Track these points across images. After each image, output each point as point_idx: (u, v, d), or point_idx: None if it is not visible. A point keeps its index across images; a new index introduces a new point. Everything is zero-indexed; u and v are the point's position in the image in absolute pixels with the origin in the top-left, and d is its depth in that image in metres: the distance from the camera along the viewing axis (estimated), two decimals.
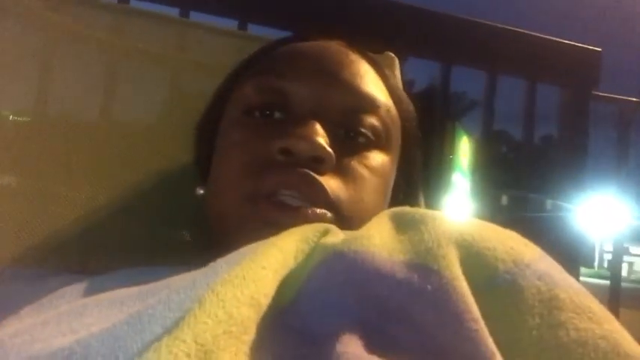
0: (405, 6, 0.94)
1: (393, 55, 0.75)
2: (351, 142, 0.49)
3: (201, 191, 0.55)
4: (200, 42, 0.75)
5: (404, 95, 0.58)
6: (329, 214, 0.44)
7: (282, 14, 0.93)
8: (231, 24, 0.91)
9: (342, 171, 0.47)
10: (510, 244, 0.35)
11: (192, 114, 0.61)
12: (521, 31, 1.01)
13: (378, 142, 0.50)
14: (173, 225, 0.66)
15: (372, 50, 0.74)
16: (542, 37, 1.03)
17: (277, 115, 0.49)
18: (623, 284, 1.42)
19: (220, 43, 0.75)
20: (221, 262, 0.32)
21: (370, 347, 0.29)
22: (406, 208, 0.42)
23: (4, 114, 0.66)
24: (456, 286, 0.30)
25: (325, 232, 0.37)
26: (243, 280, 0.28)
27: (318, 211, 0.44)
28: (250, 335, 0.28)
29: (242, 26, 0.92)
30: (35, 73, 0.68)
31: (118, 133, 0.68)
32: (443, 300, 0.30)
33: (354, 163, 0.48)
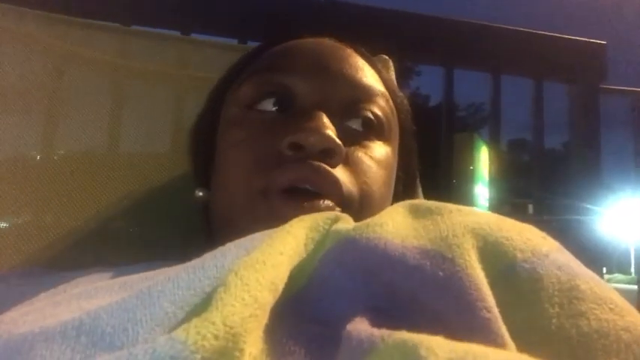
0: (407, 12, 0.95)
1: (386, 57, 0.75)
2: (355, 133, 0.49)
3: (201, 193, 0.54)
4: (202, 59, 0.77)
5: (397, 88, 0.58)
6: (340, 207, 0.44)
7: (282, 28, 0.94)
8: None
9: (351, 163, 0.47)
10: (527, 235, 0.35)
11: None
12: (524, 30, 1.00)
13: (381, 131, 0.51)
14: (171, 243, 0.66)
15: (371, 54, 0.75)
16: (545, 35, 1.02)
17: (281, 108, 0.49)
18: None
19: (224, 58, 0.76)
20: (230, 246, 0.33)
21: (378, 326, 0.29)
22: (422, 200, 0.42)
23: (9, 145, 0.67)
24: (469, 274, 0.30)
25: (336, 220, 0.37)
26: (263, 264, 0.28)
27: (331, 204, 0.44)
28: (267, 319, 0.28)
29: (242, 43, 0.93)
30: (42, 102, 0.70)
31: (124, 159, 0.69)
32: (456, 287, 0.29)
33: (362, 156, 0.48)
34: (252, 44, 0.91)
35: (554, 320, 0.30)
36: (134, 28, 0.86)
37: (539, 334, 0.30)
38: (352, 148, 0.48)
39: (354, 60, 0.52)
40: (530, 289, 0.31)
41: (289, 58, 0.52)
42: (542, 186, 1.14)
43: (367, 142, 0.49)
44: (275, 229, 0.34)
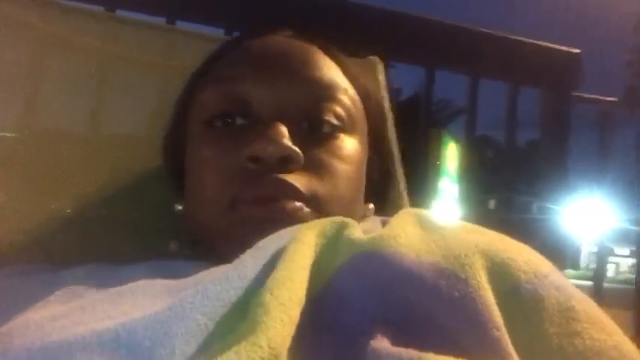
0: (387, 11, 0.96)
1: (377, 59, 0.76)
2: (316, 134, 0.49)
3: (180, 207, 0.55)
4: (187, 49, 0.76)
5: (360, 75, 0.58)
6: (307, 209, 0.45)
7: (268, 20, 0.94)
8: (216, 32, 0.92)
9: (313, 166, 0.47)
10: (527, 256, 0.37)
11: None
12: (503, 35, 1.03)
13: (343, 126, 0.50)
14: (158, 230, 0.66)
15: (355, 55, 0.76)
16: (522, 41, 1.06)
17: (239, 121, 0.49)
18: (611, 285, 1.44)
19: (208, 50, 0.76)
20: (247, 257, 0.34)
21: (400, 344, 0.30)
22: (424, 211, 0.43)
23: None
24: (481, 295, 0.32)
25: (343, 226, 0.38)
26: (292, 282, 0.30)
27: (298, 204, 0.45)
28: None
29: (228, 34, 0.93)
30: (25, 83, 0.69)
31: (106, 141, 0.69)
32: (469, 308, 0.31)
33: (324, 155, 0.48)
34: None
35: (554, 339, 0.33)
36: (121, 15, 0.85)
37: (542, 351, 0.32)
38: (314, 149, 0.48)
39: (309, 55, 0.52)
40: (533, 310, 0.34)
41: (242, 64, 0.51)
42: (505, 182, 1.18)
43: (331, 140, 0.49)
44: (287, 237, 0.36)
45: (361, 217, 0.54)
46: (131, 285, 0.36)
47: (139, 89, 0.74)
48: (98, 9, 0.84)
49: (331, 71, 0.52)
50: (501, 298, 0.33)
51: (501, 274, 0.35)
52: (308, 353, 0.29)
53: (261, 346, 0.25)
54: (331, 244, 0.37)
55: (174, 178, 0.57)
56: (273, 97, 0.49)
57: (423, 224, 0.40)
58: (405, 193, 0.71)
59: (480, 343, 0.30)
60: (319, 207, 0.46)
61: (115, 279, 0.39)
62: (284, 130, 0.46)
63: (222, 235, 0.46)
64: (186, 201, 0.53)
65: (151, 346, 0.28)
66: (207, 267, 0.38)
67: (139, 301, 0.34)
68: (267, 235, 0.38)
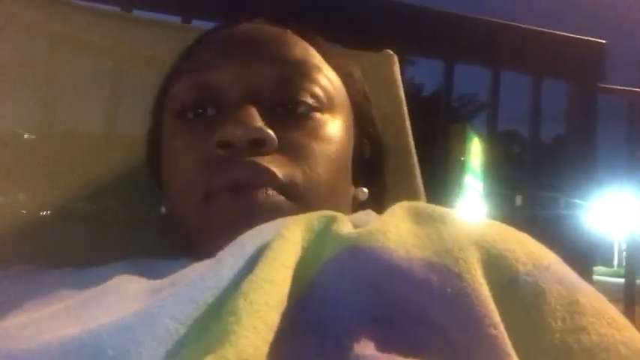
0: (408, 5, 0.94)
1: (391, 52, 0.74)
2: (291, 115, 0.47)
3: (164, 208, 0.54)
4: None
5: (341, 59, 0.55)
6: (286, 197, 0.43)
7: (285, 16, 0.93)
8: None
9: (288, 148, 0.45)
10: (529, 247, 0.35)
11: None
12: (525, 26, 1.00)
13: (320, 106, 0.48)
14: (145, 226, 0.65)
15: (373, 49, 0.75)
16: (545, 32, 1.02)
17: (210, 109, 0.48)
18: None
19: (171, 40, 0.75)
20: (225, 254, 0.32)
21: (387, 347, 0.29)
22: (422, 204, 0.41)
23: (7, 126, 0.66)
24: (476, 290, 0.30)
25: (331, 220, 0.37)
26: (271, 284, 0.28)
27: (272, 192, 0.43)
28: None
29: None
30: (40, 83, 0.69)
31: (119, 142, 0.68)
32: (463, 304, 0.29)
33: (300, 137, 0.46)
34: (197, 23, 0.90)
35: (557, 335, 0.30)
36: (135, 14, 0.85)
37: (544, 348, 0.30)
38: (289, 130, 0.46)
39: (281, 38, 0.50)
40: (534, 304, 0.32)
41: (211, 52, 0.50)
42: (532, 178, 1.15)
43: (306, 120, 0.47)
44: (270, 231, 0.34)
45: (352, 201, 0.52)
46: (103, 287, 0.35)
47: (153, 89, 0.74)
48: (112, 8, 0.84)
49: (303, 50, 0.50)
50: (498, 292, 0.31)
51: (498, 267, 0.33)
52: (289, 358, 0.28)
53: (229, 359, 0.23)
54: (318, 240, 0.35)
55: (158, 176, 0.55)
56: (242, 80, 0.47)
57: (417, 218, 0.37)
58: (421, 189, 0.69)
59: (476, 342, 0.28)
60: (296, 191, 0.44)
61: (91, 281, 0.37)
62: (254, 112, 0.44)
63: (200, 229, 0.45)
64: (165, 194, 0.51)
65: (115, 356, 0.26)
66: (186, 265, 0.36)
67: (111, 305, 0.33)
68: (245, 228, 0.36)
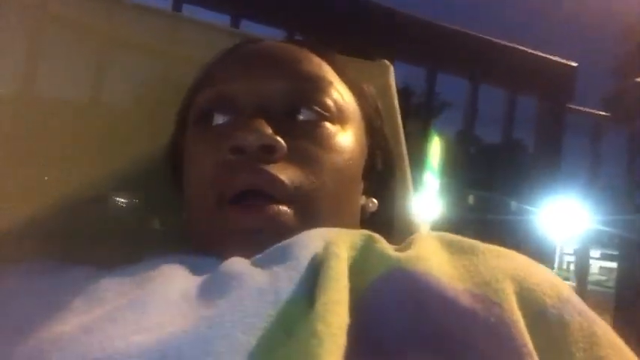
0: (395, 12, 0.96)
1: (387, 62, 0.76)
2: (301, 124, 0.49)
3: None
4: (191, 37, 0.75)
5: (353, 74, 0.57)
6: (293, 208, 0.45)
7: (273, 12, 0.93)
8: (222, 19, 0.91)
9: (297, 156, 0.46)
10: (552, 280, 0.38)
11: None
12: (505, 43, 1.04)
13: (331, 117, 0.50)
14: (151, 212, 0.66)
15: (362, 56, 0.76)
16: (523, 50, 1.07)
17: (225, 119, 0.50)
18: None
19: (211, 39, 0.75)
20: (280, 271, 0.34)
21: None
22: (449, 234, 0.43)
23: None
24: (514, 321, 0.33)
25: (372, 239, 0.39)
26: (340, 306, 0.30)
27: (282, 208, 0.44)
28: None
29: (234, 22, 0.92)
30: (22, 59, 0.67)
31: (103, 125, 0.68)
32: (504, 333, 0.32)
33: (308, 145, 0.48)
34: (245, 24, 0.91)
35: None
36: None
37: None
38: (298, 139, 0.47)
39: (297, 54, 0.52)
40: (560, 335, 0.35)
41: (231, 66, 0.53)
42: (485, 180, 1.20)
43: (316, 130, 0.49)
44: (315, 243, 0.36)
45: (362, 211, 0.54)
46: (151, 289, 0.36)
47: (137, 73, 0.73)
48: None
49: (316, 66, 0.52)
50: (529, 323, 0.34)
51: (529, 299, 0.36)
52: None
53: None
54: (361, 258, 0.37)
55: (179, 182, 0.56)
56: (256, 92, 0.49)
57: (450, 248, 0.40)
58: (412, 196, 0.72)
59: None
60: (304, 200, 0.46)
61: (133, 279, 0.38)
62: (263, 121, 0.46)
63: (210, 234, 0.46)
64: (184, 206, 0.53)
65: None
66: (216, 265, 0.38)
67: (168, 311, 0.34)
68: (254, 241, 0.39)
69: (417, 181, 0.77)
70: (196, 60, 0.64)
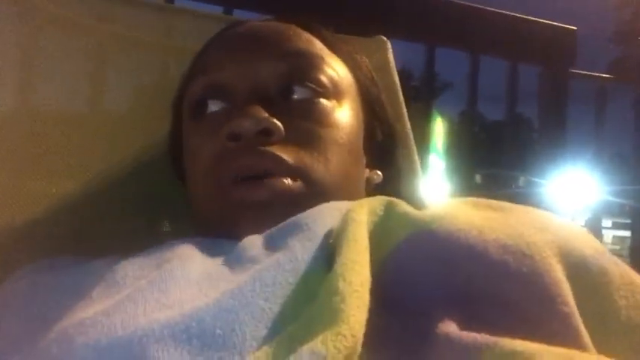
0: None
1: (384, 38, 0.76)
2: (296, 104, 0.48)
3: None
4: (187, 28, 0.75)
5: (346, 47, 0.57)
6: (297, 182, 0.45)
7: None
8: (215, 10, 0.91)
9: (296, 136, 0.46)
10: (584, 232, 0.38)
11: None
12: (502, 11, 1.03)
13: (326, 92, 0.49)
14: (156, 214, 0.66)
15: (359, 33, 0.75)
16: (521, 18, 1.06)
17: (220, 108, 0.49)
18: None
19: (207, 29, 0.75)
20: (294, 241, 0.35)
21: (466, 325, 0.30)
22: (473, 198, 0.42)
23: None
24: (549, 270, 0.32)
25: (393, 204, 0.38)
26: (361, 266, 0.30)
27: (285, 180, 0.44)
28: None
29: (227, 12, 0.92)
30: (18, 63, 0.67)
31: (103, 123, 0.68)
32: (538, 282, 0.31)
33: (306, 124, 0.47)
34: (238, 14, 0.91)
35: (623, 312, 0.33)
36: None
37: (611, 324, 0.33)
38: (296, 119, 0.47)
39: (286, 33, 0.52)
40: (601, 283, 0.34)
41: (219, 53, 0.52)
42: (491, 157, 1.19)
43: (312, 107, 0.48)
44: (332, 214, 0.37)
45: (367, 184, 0.54)
46: (170, 269, 0.36)
47: (136, 69, 0.73)
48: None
49: (307, 42, 0.52)
50: (570, 274, 0.33)
51: (567, 250, 0.35)
52: (375, 337, 0.29)
53: (345, 336, 0.26)
54: (383, 222, 0.37)
55: (182, 175, 0.56)
56: (247, 76, 0.49)
57: (477, 207, 0.40)
58: (420, 172, 0.71)
59: (549, 318, 0.31)
60: (308, 176, 0.45)
61: (148, 263, 0.38)
62: (258, 106, 0.46)
63: (219, 220, 0.46)
64: (189, 197, 0.53)
65: (223, 334, 0.29)
66: (232, 246, 0.38)
67: (188, 289, 0.34)
68: (266, 219, 0.39)
69: (422, 164, 0.76)
70: (193, 51, 0.64)
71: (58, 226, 0.60)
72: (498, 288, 0.32)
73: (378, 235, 0.35)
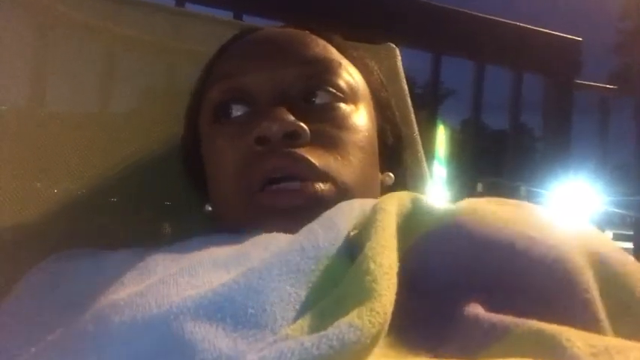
0: None
1: (393, 45, 0.76)
2: (318, 108, 0.50)
3: (210, 208, 0.56)
4: (196, 32, 0.76)
5: (358, 53, 0.59)
6: (327, 186, 0.46)
7: (275, 5, 0.93)
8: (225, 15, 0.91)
9: (320, 139, 0.48)
10: (600, 232, 0.41)
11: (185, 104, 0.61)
12: (508, 21, 1.03)
13: (344, 97, 0.51)
14: (160, 213, 0.66)
15: (366, 41, 0.76)
16: (527, 28, 1.06)
17: (243, 111, 0.51)
18: None
19: (217, 33, 0.75)
20: (317, 228, 0.36)
21: (490, 308, 0.32)
22: (486, 198, 0.44)
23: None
24: (571, 259, 0.34)
25: (420, 197, 0.40)
26: (390, 250, 0.32)
27: (317, 185, 0.46)
28: None
29: (237, 17, 0.93)
30: (28, 64, 0.68)
31: (112, 124, 0.68)
32: (561, 269, 0.33)
33: (329, 127, 0.49)
34: (248, 19, 0.91)
35: None
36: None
37: (632, 314, 0.34)
38: (320, 124, 0.49)
39: (303, 39, 0.54)
40: (621, 273, 0.35)
41: (240, 58, 0.53)
42: (492, 167, 1.20)
43: (333, 112, 0.50)
44: (370, 206, 0.38)
45: (382, 185, 0.55)
46: (199, 256, 0.37)
47: (146, 72, 0.73)
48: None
49: (323, 49, 0.54)
50: (593, 264, 0.35)
51: (589, 243, 0.37)
52: (403, 318, 0.31)
53: (378, 312, 0.27)
54: (410, 214, 0.38)
55: (195, 179, 0.58)
56: (271, 82, 0.50)
57: (497, 204, 0.41)
58: (428, 178, 0.72)
59: (571, 304, 0.32)
60: (336, 179, 0.47)
61: (179, 253, 0.39)
62: (284, 109, 0.47)
63: (245, 222, 0.47)
64: (211, 196, 0.54)
65: (255, 314, 0.30)
66: (260, 236, 0.40)
67: (217, 271, 0.35)
68: (296, 223, 0.39)
69: (427, 172, 0.77)
70: (202, 54, 0.65)
71: (60, 225, 0.61)
72: (524, 275, 0.33)
73: (406, 225, 0.37)
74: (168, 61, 0.74)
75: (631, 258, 0.37)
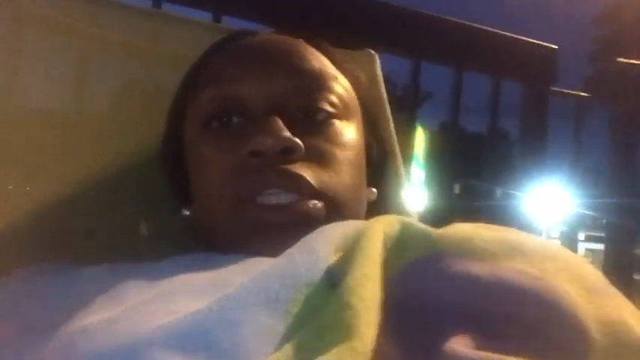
0: (375, 2, 0.96)
1: (372, 51, 0.76)
2: (312, 123, 0.50)
3: (188, 212, 0.55)
4: (173, 34, 0.75)
5: (349, 65, 0.59)
6: (320, 203, 0.46)
7: (255, 7, 0.93)
8: (203, 15, 0.90)
9: (314, 156, 0.47)
10: (584, 260, 0.40)
11: (164, 106, 0.60)
12: (487, 28, 1.05)
13: (338, 113, 0.51)
14: (137, 215, 0.65)
15: (345, 47, 0.76)
16: (505, 35, 1.08)
17: (236, 120, 0.50)
18: None
19: (194, 36, 0.75)
20: (295, 254, 0.35)
21: (480, 344, 0.31)
22: (481, 224, 0.43)
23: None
24: (564, 292, 0.34)
25: (410, 222, 0.39)
26: (372, 282, 0.31)
27: (310, 202, 0.45)
28: None
29: (216, 18, 0.92)
30: (2, 61, 0.66)
31: (85, 125, 0.67)
32: (553, 302, 0.33)
33: (323, 143, 0.49)
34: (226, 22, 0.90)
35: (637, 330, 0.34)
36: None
37: (629, 344, 0.33)
38: (312, 137, 0.48)
39: (298, 49, 0.53)
40: (613, 306, 0.35)
41: (233, 64, 0.53)
42: (470, 170, 1.21)
43: (327, 128, 0.50)
44: (353, 229, 0.37)
45: (366, 201, 0.55)
46: (177, 281, 0.36)
47: (120, 72, 0.72)
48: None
49: (319, 61, 0.53)
50: (581, 295, 0.34)
51: (576, 275, 0.36)
52: (383, 353, 0.30)
53: (359, 352, 0.26)
54: (399, 238, 0.37)
55: (176, 183, 0.57)
56: (266, 92, 0.49)
57: (484, 229, 0.40)
58: (404, 177, 0.72)
59: (563, 330, 0.32)
60: (330, 198, 0.47)
61: (149, 278, 0.38)
62: (279, 122, 0.46)
63: (232, 235, 0.46)
64: (194, 203, 0.53)
65: (229, 348, 0.29)
66: (241, 260, 0.39)
67: (194, 296, 0.34)
68: (284, 240, 0.38)
69: (406, 175, 0.77)
70: (180, 57, 0.64)
71: (37, 227, 0.59)
72: (513, 308, 0.33)
73: (393, 252, 0.36)
74: (145, 62, 0.73)
75: (616, 291, 0.37)
